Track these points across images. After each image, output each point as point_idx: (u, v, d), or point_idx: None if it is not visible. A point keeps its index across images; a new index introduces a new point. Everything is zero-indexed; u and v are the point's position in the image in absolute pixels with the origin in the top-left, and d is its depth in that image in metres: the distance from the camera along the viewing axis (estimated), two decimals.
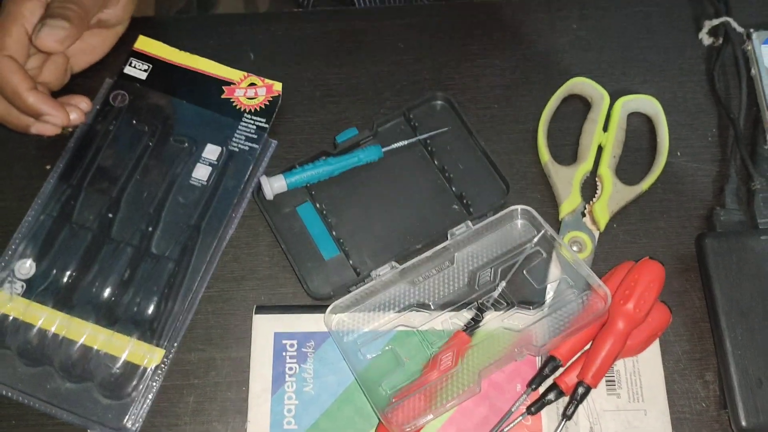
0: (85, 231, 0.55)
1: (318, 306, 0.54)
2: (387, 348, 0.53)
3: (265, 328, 0.53)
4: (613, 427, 0.51)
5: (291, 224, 0.57)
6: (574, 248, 0.56)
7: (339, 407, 0.52)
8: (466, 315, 0.53)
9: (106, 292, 0.53)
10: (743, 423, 0.51)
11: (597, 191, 0.57)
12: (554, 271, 0.55)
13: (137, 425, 0.51)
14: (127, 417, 0.50)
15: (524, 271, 0.55)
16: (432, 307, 0.54)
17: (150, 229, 0.55)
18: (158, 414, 0.52)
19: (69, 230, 0.55)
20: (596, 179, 0.58)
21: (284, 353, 0.53)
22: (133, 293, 0.53)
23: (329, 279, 0.55)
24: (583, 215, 0.57)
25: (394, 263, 0.54)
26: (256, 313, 0.54)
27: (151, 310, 0.53)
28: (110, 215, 0.56)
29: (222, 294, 0.56)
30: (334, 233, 0.56)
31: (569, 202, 0.57)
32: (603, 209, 0.56)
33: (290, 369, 0.52)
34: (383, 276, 0.54)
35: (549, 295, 0.54)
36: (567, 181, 0.57)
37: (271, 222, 0.56)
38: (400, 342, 0.53)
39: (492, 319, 0.53)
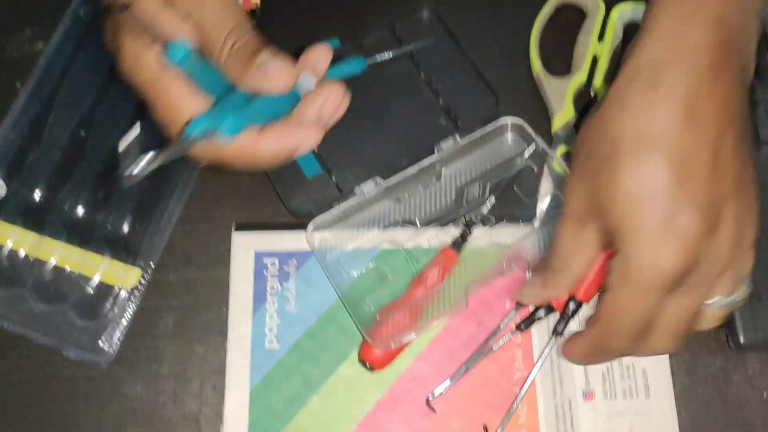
0: (56, 149, 0.52)
1: (300, 224, 0.52)
2: (371, 266, 0.51)
3: (245, 246, 0.51)
4: None
5: None
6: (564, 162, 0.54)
7: (322, 326, 0.50)
8: (454, 232, 0.51)
9: (79, 212, 0.51)
10: (741, 340, 0.49)
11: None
12: (545, 185, 0.53)
13: (113, 347, 0.49)
14: (102, 338, 0.49)
15: (514, 187, 0.53)
16: (418, 225, 0.52)
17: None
18: (136, 336, 0.50)
19: (40, 149, 0.52)
20: (591, 91, 0.55)
21: (265, 272, 0.51)
22: (107, 212, 0.51)
23: (311, 196, 0.53)
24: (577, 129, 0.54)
25: (378, 179, 0.52)
26: (235, 230, 0.52)
27: (125, 229, 0.51)
28: (82, 133, 0.53)
29: (200, 213, 0.53)
30: (315, 150, 0.54)
31: (562, 114, 0.54)
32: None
33: (272, 288, 0.51)
34: (367, 193, 0.52)
35: (540, 211, 0.52)
36: (560, 93, 0.55)
37: None
38: (384, 260, 0.51)
39: (480, 235, 0.51)
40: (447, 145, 0.52)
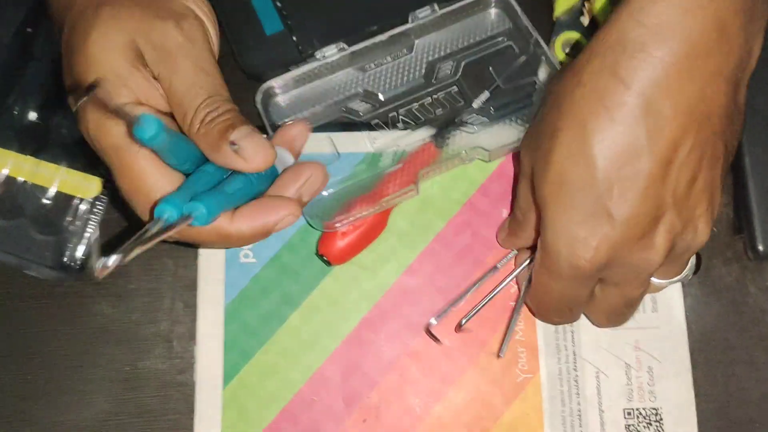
0: (1, 48, 0.47)
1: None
2: (325, 137, 0.46)
3: None
4: None
5: None
6: (567, 51, 0.48)
7: (302, 238, 0.46)
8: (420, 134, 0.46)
9: (31, 116, 0.46)
10: (760, 247, 0.45)
11: None
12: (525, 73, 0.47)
13: (77, 263, 0.45)
14: (67, 253, 0.45)
15: (490, 68, 0.47)
16: (381, 98, 0.47)
17: None
18: (104, 251, 0.47)
19: None
20: None
21: None
22: (62, 116, 0.46)
23: (267, 55, 0.48)
24: (581, 14, 0.48)
25: (343, 44, 0.47)
26: None
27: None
28: (29, 30, 0.47)
29: None
30: (278, 4, 0.48)
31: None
32: (605, 7, 0.47)
33: None
34: (329, 57, 0.46)
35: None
36: None
37: None
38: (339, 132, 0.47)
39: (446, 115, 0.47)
40: (424, 14, 0.47)
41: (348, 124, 0.47)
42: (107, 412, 0.45)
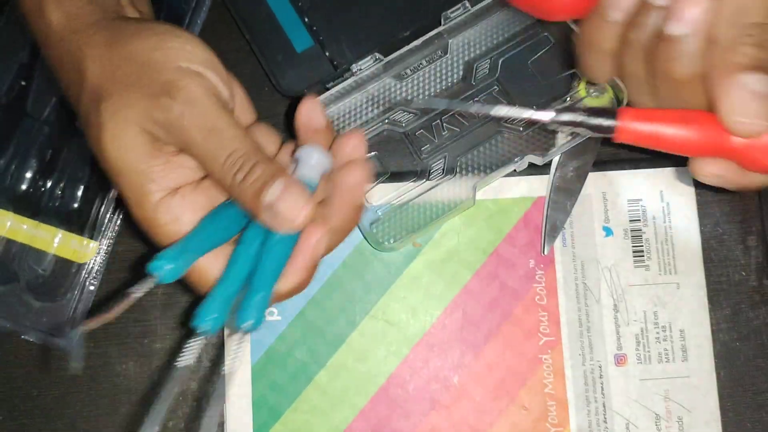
0: None
1: None
2: (371, 154, 0.46)
3: None
4: (641, 303, 0.45)
5: (255, 11, 0.47)
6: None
7: (327, 293, 0.45)
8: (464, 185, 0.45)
9: (25, 181, 0.45)
10: None
11: None
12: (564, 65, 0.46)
13: (78, 328, 0.45)
14: (65, 319, 0.44)
15: (528, 63, 0.46)
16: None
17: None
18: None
19: None
20: None
21: None
22: (57, 179, 0.45)
23: (303, 74, 0.47)
24: None
25: (377, 54, 0.46)
26: None
27: (78, 198, 0.45)
28: (23, 83, 0.46)
29: None
30: (306, 20, 0.47)
31: None
32: None
33: None
34: (365, 69, 0.46)
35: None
36: None
37: (233, 11, 0.47)
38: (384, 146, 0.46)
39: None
40: (455, 13, 0.46)
41: (391, 139, 0.46)
42: None
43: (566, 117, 0.34)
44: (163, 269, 0.32)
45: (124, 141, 0.33)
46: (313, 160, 0.35)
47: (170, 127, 0.33)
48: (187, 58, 0.34)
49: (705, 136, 0.31)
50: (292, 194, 0.32)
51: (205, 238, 0.34)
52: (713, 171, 0.33)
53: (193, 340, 0.32)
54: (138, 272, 0.46)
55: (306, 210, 0.32)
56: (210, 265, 0.34)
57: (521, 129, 0.45)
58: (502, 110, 0.35)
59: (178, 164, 0.34)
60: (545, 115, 0.34)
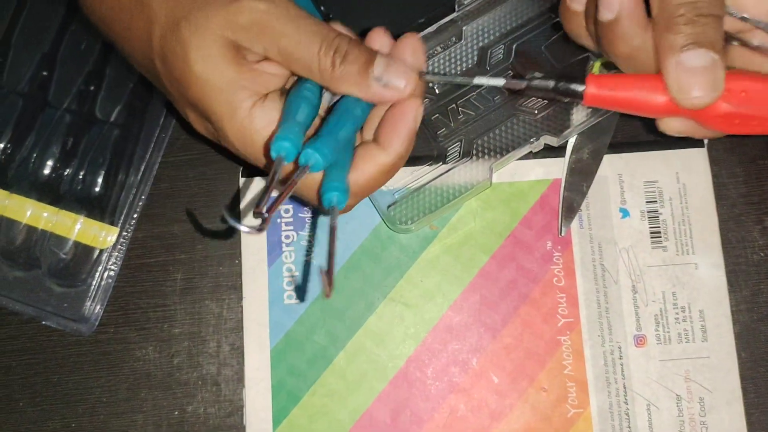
0: (16, 95, 0.46)
1: None
2: None
3: (254, 193, 0.46)
4: (659, 284, 0.45)
5: None
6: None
7: (346, 276, 0.45)
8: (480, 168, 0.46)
9: (47, 167, 0.46)
10: None
11: None
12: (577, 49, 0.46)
13: (96, 315, 0.45)
14: (85, 306, 0.45)
15: (542, 48, 0.47)
16: (437, 91, 0.47)
17: (92, 88, 0.47)
18: (144, 295, 0.46)
19: None
20: None
21: (279, 220, 0.46)
22: (77, 166, 0.46)
23: None
24: None
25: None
26: (242, 176, 0.46)
27: (99, 185, 0.46)
28: (45, 73, 0.47)
29: (206, 156, 0.48)
30: (322, 8, 0.48)
31: None
32: None
33: (287, 237, 0.46)
34: None
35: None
36: None
37: None
38: None
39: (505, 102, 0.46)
40: (469, 0, 0.47)
41: None
42: None
43: (538, 83, 0.35)
44: (285, 147, 0.32)
45: (211, 52, 0.33)
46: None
47: (258, 27, 0.33)
48: None
49: (664, 101, 0.32)
50: (398, 65, 0.34)
51: (302, 116, 0.34)
52: (677, 128, 0.34)
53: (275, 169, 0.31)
54: (157, 256, 0.47)
55: (414, 76, 0.34)
56: None
57: (536, 112, 0.45)
58: (481, 80, 0.36)
59: (263, 71, 0.35)
60: (519, 84, 0.35)
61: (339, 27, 0.37)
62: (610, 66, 0.46)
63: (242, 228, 0.30)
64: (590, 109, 0.45)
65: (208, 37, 0.33)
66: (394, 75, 0.34)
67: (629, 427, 0.44)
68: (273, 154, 0.32)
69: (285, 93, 0.35)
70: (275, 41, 0.33)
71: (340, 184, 0.33)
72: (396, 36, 0.46)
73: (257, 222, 0.30)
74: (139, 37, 0.35)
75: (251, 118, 0.34)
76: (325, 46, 0.34)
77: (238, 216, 0.46)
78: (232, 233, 0.47)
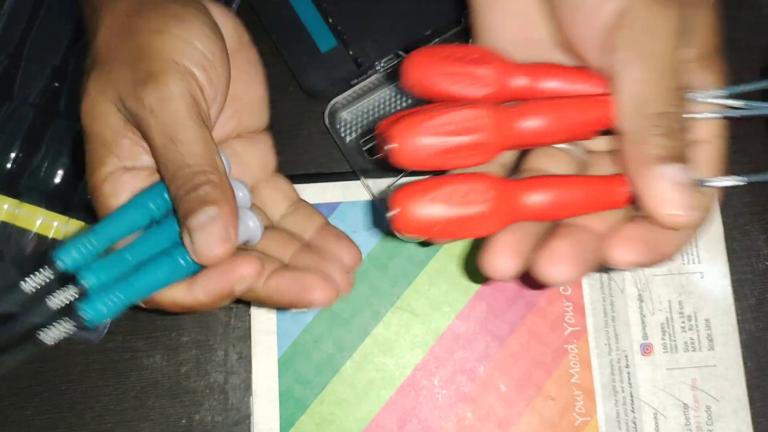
0: (28, 107, 0.47)
1: (324, 174, 0.47)
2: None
3: None
4: (665, 293, 0.45)
5: (280, 14, 0.49)
6: None
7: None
8: None
9: (57, 177, 0.46)
10: None
11: None
12: None
13: (105, 322, 0.45)
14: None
15: None
16: None
17: None
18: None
19: (11, 106, 0.46)
20: None
21: None
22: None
23: (327, 74, 0.48)
24: None
25: (400, 53, 0.47)
26: None
27: None
28: (56, 84, 0.47)
29: None
30: (330, 21, 0.48)
31: None
32: None
33: None
34: (388, 67, 0.47)
35: None
36: None
37: (260, 14, 0.49)
38: None
39: None
40: None
41: None
42: None
43: None
44: (66, 258, 0.31)
45: (98, 112, 0.33)
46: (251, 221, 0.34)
47: (138, 120, 0.33)
48: (184, 50, 0.33)
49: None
50: (214, 227, 0.31)
51: (117, 226, 0.33)
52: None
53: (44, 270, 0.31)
54: None
55: (219, 250, 0.31)
56: None
57: None
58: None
59: (144, 150, 0.34)
60: None
61: (281, 184, 0.38)
62: None
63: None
64: None
65: (104, 96, 0.33)
66: (201, 238, 0.31)
67: None
68: (54, 258, 0.31)
69: (153, 174, 0.34)
70: (153, 142, 0.33)
71: (101, 304, 0.31)
72: (404, 48, 0.47)
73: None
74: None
75: (104, 182, 0.33)
76: (178, 174, 0.32)
77: None
78: None
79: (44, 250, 0.45)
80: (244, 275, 0.32)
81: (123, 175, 0.34)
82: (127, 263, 0.32)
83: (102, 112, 0.33)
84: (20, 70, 0.47)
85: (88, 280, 0.31)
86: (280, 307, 0.35)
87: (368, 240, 0.46)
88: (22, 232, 0.45)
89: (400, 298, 0.46)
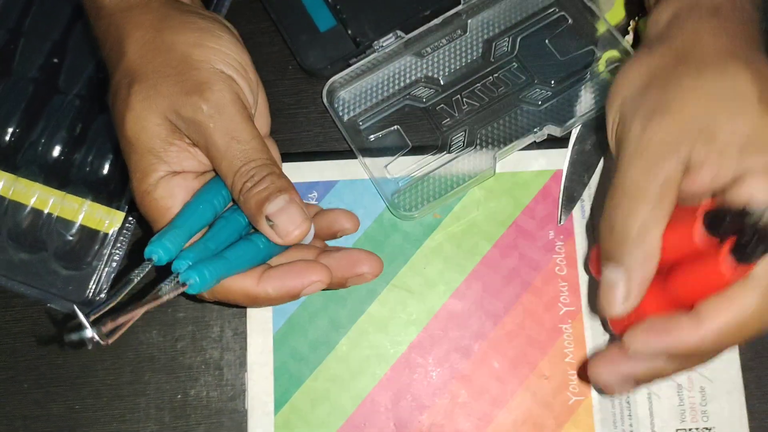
0: (27, 81, 0.47)
1: (323, 152, 0.47)
2: (393, 128, 0.47)
3: None
4: None
5: None
6: (610, 68, 0.47)
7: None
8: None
9: (55, 151, 0.46)
10: None
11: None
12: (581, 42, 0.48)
13: (101, 297, 0.45)
14: (89, 289, 0.45)
15: (546, 41, 0.48)
16: (442, 82, 0.48)
17: (102, 75, 0.47)
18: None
19: (10, 81, 0.47)
20: None
21: None
22: (86, 151, 0.46)
23: (326, 53, 0.48)
24: (626, 33, 0.48)
25: (398, 32, 0.47)
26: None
27: (106, 169, 0.46)
28: (55, 60, 0.48)
29: None
30: (329, 0, 0.49)
31: (611, 15, 0.48)
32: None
33: None
34: (386, 47, 0.47)
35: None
36: None
37: None
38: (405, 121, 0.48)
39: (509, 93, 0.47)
40: None
41: (412, 114, 0.48)
42: None
43: None
44: (158, 252, 0.34)
45: (146, 124, 0.35)
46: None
47: (196, 126, 0.35)
48: (224, 60, 0.36)
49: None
50: (292, 210, 0.35)
51: (192, 221, 0.36)
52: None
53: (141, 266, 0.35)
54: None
55: (301, 229, 0.35)
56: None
57: (540, 103, 0.46)
58: None
59: (190, 155, 0.37)
60: None
61: (273, 148, 0.39)
62: (613, 60, 0.47)
63: (88, 334, 0.33)
64: (594, 100, 0.46)
65: (152, 109, 0.35)
66: (283, 220, 0.35)
67: (630, 416, 0.44)
68: (145, 255, 0.34)
69: (200, 176, 0.37)
70: (206, 145, 0.35)
71: (208, 271, 0.34)
72: (404, 27, 0.47)
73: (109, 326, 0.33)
74: (110, 66, 0.38)
75: (156, 186, 0.36)
76: (245, 169, 0.35)
77: None
78: None
79: (40, 225, 0.46)
80: (315, 281, 0.37)
81: (174, 178, 0.36)
82: (211, 251, 0.35)
83: (150, 124, 0.35)
84: (20, 46, 0.47)
85: (185, 262, 0.34)
86: (332, 288, 0.39)
87: (364, 219, 0.46)
88: (18, 206, 0.45)
89: (396, 276, 0.46)
